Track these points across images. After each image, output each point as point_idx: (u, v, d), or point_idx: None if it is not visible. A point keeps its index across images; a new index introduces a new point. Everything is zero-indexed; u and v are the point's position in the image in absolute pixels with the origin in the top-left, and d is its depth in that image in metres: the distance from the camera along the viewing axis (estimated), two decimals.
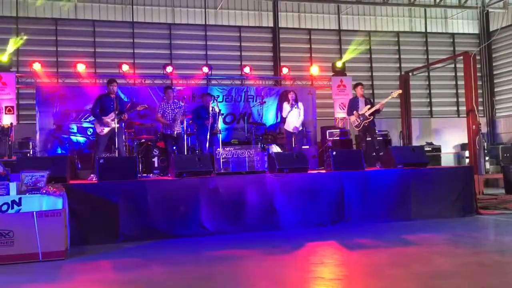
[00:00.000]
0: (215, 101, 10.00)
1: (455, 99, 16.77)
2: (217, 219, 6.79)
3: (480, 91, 15.93)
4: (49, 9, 13.51)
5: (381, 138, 11.48)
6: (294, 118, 9.88)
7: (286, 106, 9.97)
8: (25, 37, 12.10)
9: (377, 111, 9.25)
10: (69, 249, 5.63)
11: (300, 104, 10.10)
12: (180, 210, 6.68)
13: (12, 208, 5.24)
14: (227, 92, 12.36)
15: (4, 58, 11.11)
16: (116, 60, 12.71)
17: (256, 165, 7.68)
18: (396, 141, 13.97)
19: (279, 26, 15.27)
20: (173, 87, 10.82)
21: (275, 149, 10.05)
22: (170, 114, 9.06)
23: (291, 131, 9.91)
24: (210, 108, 9.37)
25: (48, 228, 5.25)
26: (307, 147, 11.30)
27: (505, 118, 16.58)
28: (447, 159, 15.11)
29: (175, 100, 9.74)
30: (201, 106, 9.86)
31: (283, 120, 10.44)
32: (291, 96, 9.99)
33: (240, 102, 12.41)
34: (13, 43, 11.71)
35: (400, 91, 10.20)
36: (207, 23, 14.68)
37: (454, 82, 16.79)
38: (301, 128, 10.18)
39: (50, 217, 5.29)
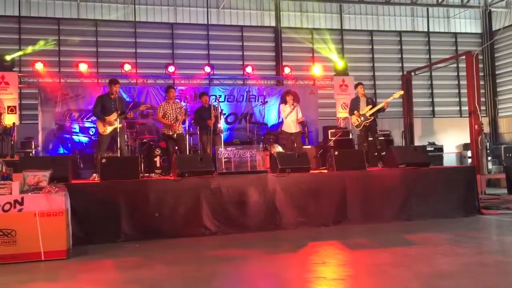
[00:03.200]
0: (216, 100, 9.98)
1: (457, 99, 16.75)
2: (218, 219, 6.79)
3: (482, 90, 15.90)
4: (52, 9, 13.53)
5: (383, 138, 11.46)
6: (294, 120, 9.79)
7: (285, 107, 9.84)
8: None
9: (381, 110, 9.21)
10: (71, 248, 5.63)
11: (296, 105, 9.96)
12: (181, 210, 6.68)
13: (15, 207, 5.24)
14: (229, 92, 12.35)
15: (7, 57, 11.16)
16: (118, 60, 12.73)
17: (258, 165, 7.67)
18: (398, 141, 13.94)
19: (281, 25, 15.26)
20: (175, 86, 10.82)
21: (277, 149, 10.01)
22: (171, 114, 9.05)
23: (291, 132, 9.80)
24: (212, 108, 9.34)
25: (50, 227, 5.26)
26: (309, 147, 11.27)
27: (508, 118, 16.55)
28: (449, 159, 15.10)
29: (176, 100, 9.71)
30: (201, 107, 9.85)
31: (282, 121, 10.30)
32: (289, 97, 9.86)
33: (242, 102, 12.40)
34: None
35: (402, 92, 10.17)
36: (209, 22, 14.69)
37: (456, 82, 16.76)
38: (299, 129, 10.00)
39: (52, 217, 5.30)
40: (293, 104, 9.74)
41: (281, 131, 10.18)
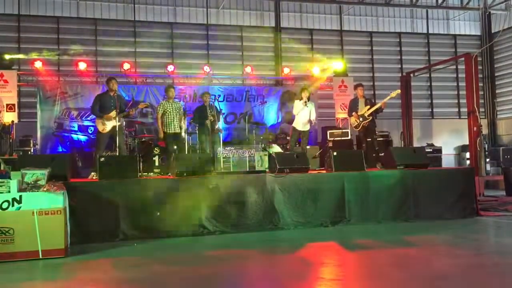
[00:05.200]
0: (216, 100, 9.97)
1: (456, 101, 16.76)
2: (217, 218, 6.78)
3: (481, 92, 15.93)
4: (51, 7, 13.52)
5: (381, 139, 11.45)
6: (305, 118, 9.64)
7: (298, 103, 9.64)
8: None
9: (379, 110, 9.18)
10: (69, 247, 5.62)
11: (310, 103, 9.83)
12: (180, 209, 6.67)
13: (13, 205, 5.23)
14: (228, 92, 12.36)
15: (6, 57, 11.16)
16: (117, 59, 12.73)
17: (257, 165, 7.67)
18: (397, 142, 13.94)
19: (281, 26, 15.27)
20: (174, 86, 10.81)
21: (276, 149, 10.00)
22: (171, 113, 9.03)
23: (300, 129, 9.69)
24: (208, 107, 9.33)
25: (49, 226, 5.25)
26: (308, 147, 11.25)
27: (506, 120, 16.57)
28: (448, 161, 15.10)
29: (176, 99, 9.70)
30: (202, 106, 9.83)
31: (292, 117, 10.11)
32: (304, 94, 9.66)
33: (241, 102, 12.41)
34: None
35: (399, 91, 10.12)
36: (208, 22, 14.68)
37: (455, 84, 16.78)
38: (308, 128, 9.84)
39: (51, 215, 5.29)
40: (305, 102, 9.51)
41: (292, 127, 10.01)
